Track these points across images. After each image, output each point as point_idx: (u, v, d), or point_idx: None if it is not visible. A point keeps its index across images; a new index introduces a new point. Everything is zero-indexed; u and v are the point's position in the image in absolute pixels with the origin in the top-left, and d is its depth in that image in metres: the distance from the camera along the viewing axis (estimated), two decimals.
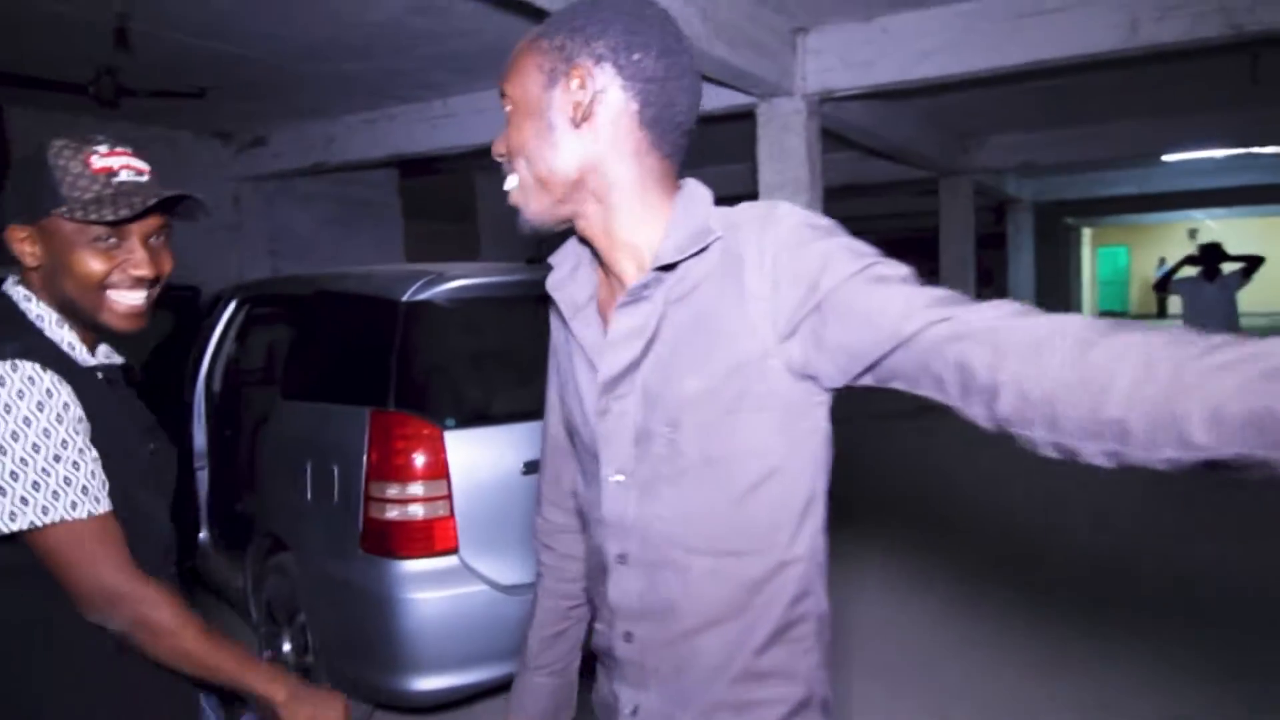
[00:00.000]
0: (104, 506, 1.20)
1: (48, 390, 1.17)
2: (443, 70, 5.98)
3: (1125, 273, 24.76)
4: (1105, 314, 21.28)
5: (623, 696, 1.07)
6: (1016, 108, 8.21)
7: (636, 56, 0.96)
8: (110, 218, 1.22)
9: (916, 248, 14.83)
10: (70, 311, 1.29)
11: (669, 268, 0.98)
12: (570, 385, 1.10)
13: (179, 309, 4.39)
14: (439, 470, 2.66)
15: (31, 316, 1.28)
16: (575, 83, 0.96)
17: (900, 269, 0.90)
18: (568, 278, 1.10)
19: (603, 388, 1.02)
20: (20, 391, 1.15)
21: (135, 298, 1.28)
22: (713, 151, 9.31)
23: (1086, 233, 22.56)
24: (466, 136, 6.66)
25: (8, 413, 1.14)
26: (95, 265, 1.24)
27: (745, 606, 0.99)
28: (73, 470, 1.18)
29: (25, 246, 1.27)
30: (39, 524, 1.15)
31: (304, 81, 6.14)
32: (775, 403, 0.95)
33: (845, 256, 0.90)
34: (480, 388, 2.93)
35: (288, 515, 3.05)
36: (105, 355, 1.36)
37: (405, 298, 2.85)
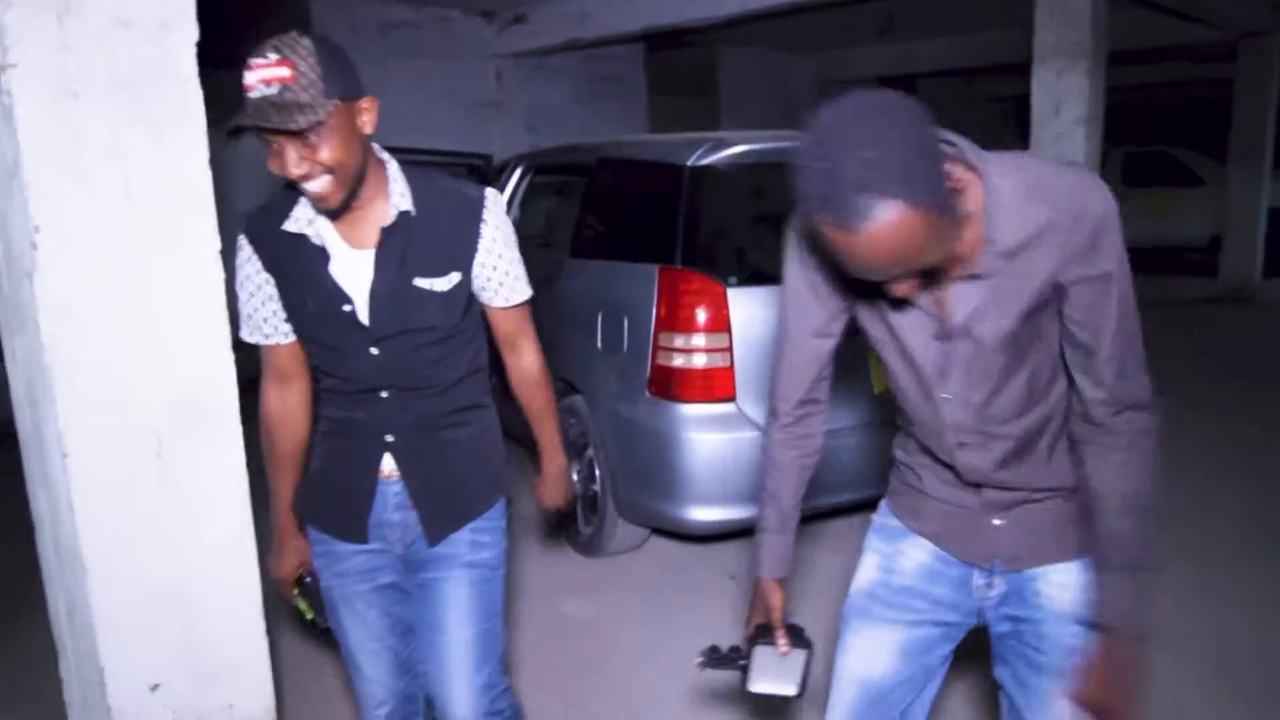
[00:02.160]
0: (251, 337, 1.61)
1: (240, 247, 1.55)
2: None
3: None
4: None
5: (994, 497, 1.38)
6: None
7: None
8: (246, 125, 1.35)
9: (1195, 120, 13.31)
10: None
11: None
12: (879, 320, 1.32)
13: (475, 171, 4.83)
14: (721, 324, 2.87)
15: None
16: None
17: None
18: None
19: (953, 331, 1.25)
20: (237, 249, 1.56)
21: (311, 186, 1.39)
22: (980, 15, 8.72)
23: None
24: (719, 8, 6.63)
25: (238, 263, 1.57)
26: (273, 166, 1.38)
27: (1040, 435, 1.33)
28: (243, 305, 1.58)
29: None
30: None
31: None
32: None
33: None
34: (759, 248, 3.10)
35: (578, 362, 3.39)
36: (302, 224, 1.50)
37: (690, 162, 3.03)
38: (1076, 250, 1.17)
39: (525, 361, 1.77)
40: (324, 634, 1.79)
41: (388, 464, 1.61)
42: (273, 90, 1.30)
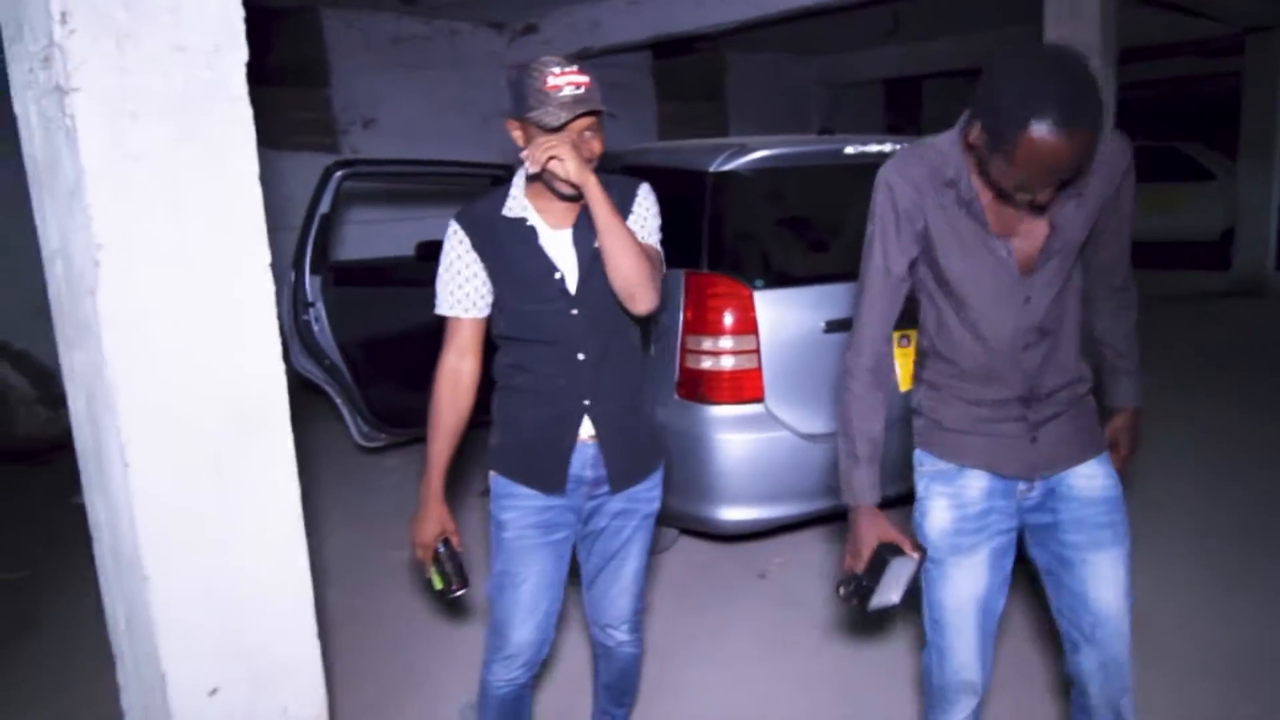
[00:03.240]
0: (449, 310, 1.92)
1: (452, 232, 1.90)
2: None
3: None
4: None
5: (1023, 408, 1.73)
6: None
7: None
8: (550, 123, 1.73)
9: (1205, 116, 13.29)
10: (540, 180, 1.84)
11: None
12: (979, 254, 1.65)
13: (497, 182, 4.87)
14: (748, 326, 2.91)
15: (513, 184, 1.92)
16: None
17: None
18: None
19: (1055, 238, 1.64)
20: (447, 235, 1.91)
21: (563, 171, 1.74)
22: (985, 14, 8.75)
23: None
24: (730, 13, 6.68)
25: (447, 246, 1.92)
26: (566, 147, 1.73)
27: (1072, 329, 1.76)
28: (446, 283, 1.91)
29: (515, 133, 1.83)
30: (437, 313, 1.95)
31: None
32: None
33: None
34: (784, 251, 3.14)
35: None
36: (518, 211, 1.90)
37: (713, 168, 3.08)
38: (1122, 173, 1.68)
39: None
40: (452, 602, 1.91)
41: (585, 426, 1.92)
42: (581, 92, 1.73)
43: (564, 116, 1.72)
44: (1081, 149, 1.41)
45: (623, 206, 1.88)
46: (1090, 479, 1.75)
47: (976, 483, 1.75)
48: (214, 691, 1.75)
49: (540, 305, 1.88)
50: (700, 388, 2.96)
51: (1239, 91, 9.56)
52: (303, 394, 1.75)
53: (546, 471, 1.94)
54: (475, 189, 5.84)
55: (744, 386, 2.94)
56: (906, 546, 1.68)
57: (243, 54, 1.64)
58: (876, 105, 12.96)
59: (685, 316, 2.97)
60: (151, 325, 1.59)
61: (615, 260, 1.76)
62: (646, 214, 1.94)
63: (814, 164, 3.20)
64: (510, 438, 1.97)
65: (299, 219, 4.33)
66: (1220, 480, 4.12)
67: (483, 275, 1.90)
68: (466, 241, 1.89)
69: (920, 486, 1.80)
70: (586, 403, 1.92)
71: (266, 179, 1.72)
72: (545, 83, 1.73)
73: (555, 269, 1.88)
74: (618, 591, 2.07)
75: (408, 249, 4.88)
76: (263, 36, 1.64)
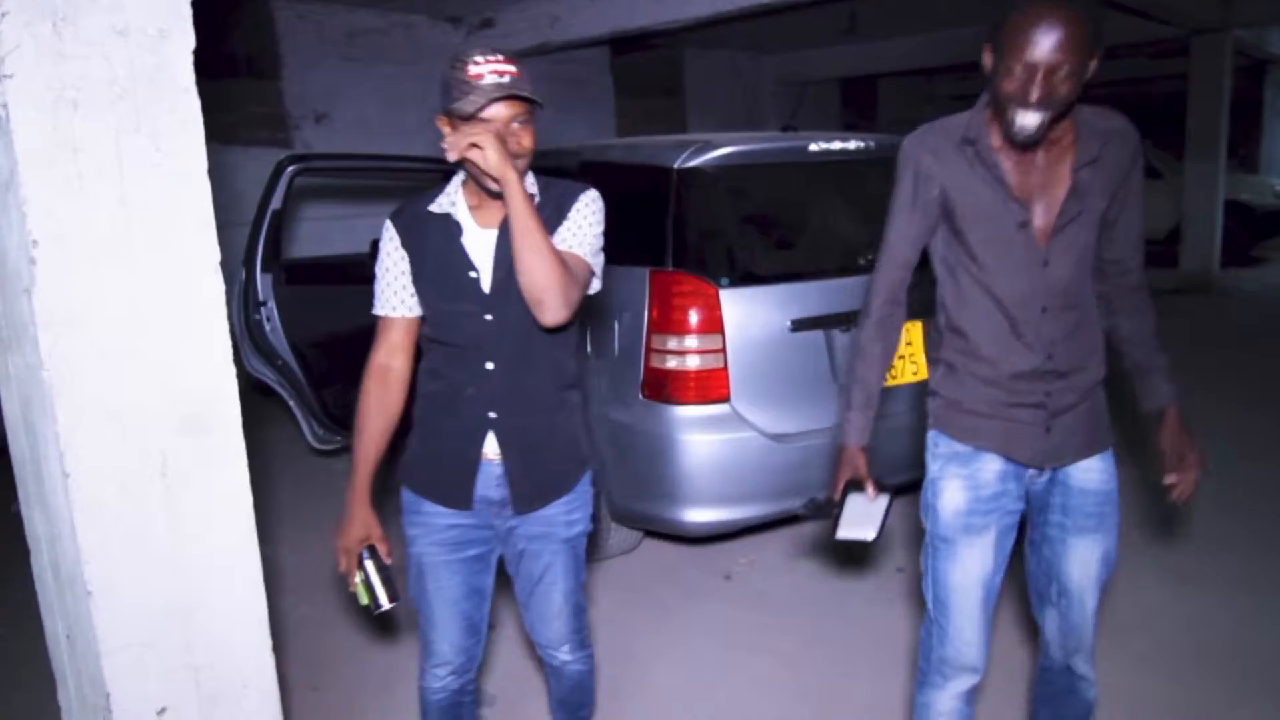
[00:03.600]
0: (379, 308, 1.85)
1: (385, 228, 1.85)
2: None
3: None
4: None
5: (1040, 390, 1.76)
6: None
7: None
8: (468, 109, 1.65)
9: (1151, 116, 13.56)
10: (469, 174, 1.78)
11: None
12: (1001, 216, 1.71)
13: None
14: (714, 325, 2.87)
15: (451, 181, 1.84)
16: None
17: None
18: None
19: (1074, 201, 1.70)
20: (382, 233, 1.86)
21: (502, 166, 1.63)
22: (941, 14, 8.83)
23: None
24: (689, 10, 6.64)
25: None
26: (487, 136, 1.63)
27: (1089, 309, 1.80)
28: (379, 282, 1.84)
29: (444, 129, 1.73)
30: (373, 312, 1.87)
31: None
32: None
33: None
34: (750, 249, 3.10)
35: None
36: (446, 206, 1.82)
37: (677, 165, 3.03)
38: (1131, 155, 1.73)
39: None
40: (381, 619, 1.83)
41: (490, 444, 1.82)
42: (505, 80, 1.64)
43: (480, 101, 1.64)
44: (1068, 28, 1.51)
45: (558, 210, 1.78)
46: (1089, 472, 1.82)
47: (991, 465, 1.80)
48: (162, 711, 1.67)
49: (452, 305, 1.80)
50: (665, 388, 2.91)
51: (1184, 93, 9.77)
52: (254, 396, 1.68)
53: (451, 487, 1.84)
54: (431, 185, 5.73)
55: (710, 386, 2.90)
56: (870, 486, 1.83)
57: (189, 40, 1.56)
58: (833, 103, 13.05)
59: (650, 315, 2.92)
60: (92, 326, 1.51)
61: (522, 262, 1.62)
62: (582, 222, 1.79)
63: (779, 161, 3.17)
64: (421, 448, 1.89)
65: (249, 215, 4.21)
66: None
67: (410, 273, 1.83)
68: (396, 239, 1.83)
69: (935, 467, 1.85)
70: (493, 416, 1.81)
71: (216, 174, 1.64)
72: (468, 71, 1.65)
73: (471, 267, 1.78)
74: (551, 615, 1.96)
75: (362, 246, 4.77)
76: (211, 26, 1.55)
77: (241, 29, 6.72)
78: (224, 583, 1.71)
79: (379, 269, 1.86)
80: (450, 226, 1.80)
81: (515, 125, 1.68)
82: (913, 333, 3.13)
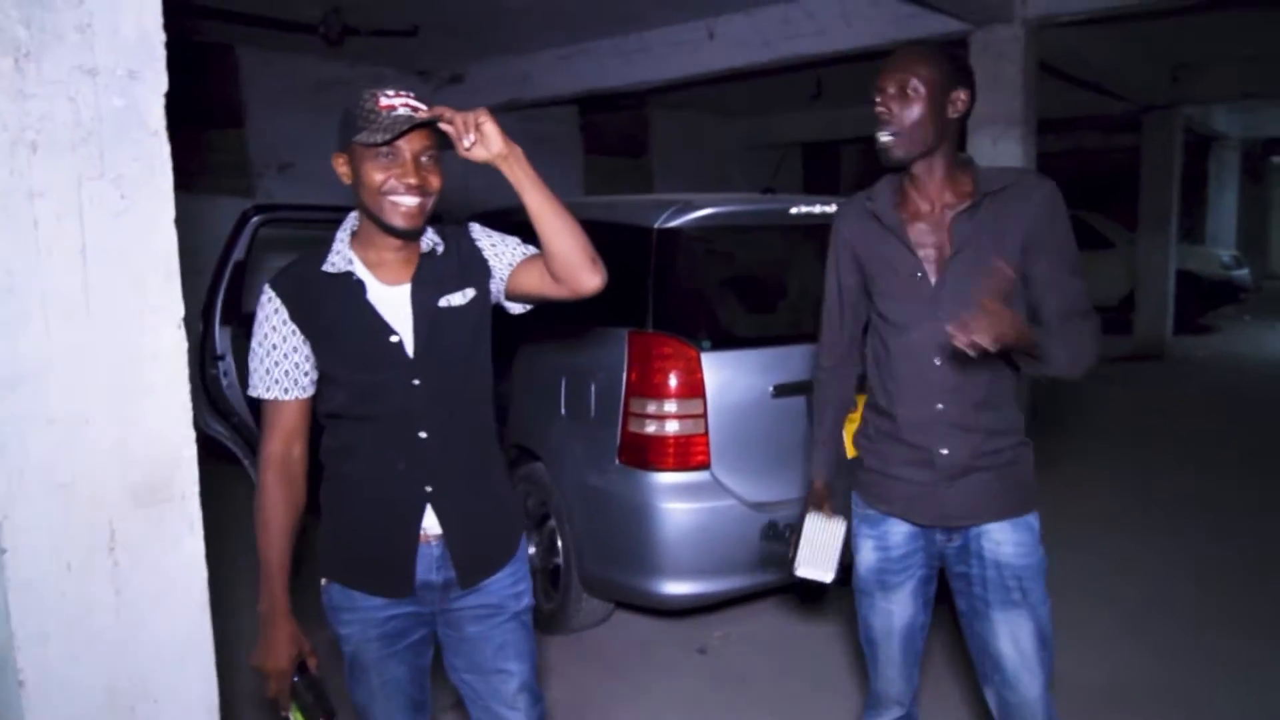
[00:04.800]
0: (265, 393, 1.65)
1: (266, 300, 1.65)
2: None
3: None
4: None
5: (937, 444, 1.80)
6: (1243, 29, 7.55)
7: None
8: (379, 138, 1.52)
9: (1102, 188, 13.99)
10: (369, 217, 1.63)
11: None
12: (898, 267, 1.81)
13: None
14: (695, 389, 2.79)
15: (335, 238, 1.68)
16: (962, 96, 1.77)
17: None
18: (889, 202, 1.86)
19: (953, 255, 1.76)
20: (260, 305, 1.66)
21: (408, 200, 1.57)
22: None
23: None
24: (660, 71, 6.70)
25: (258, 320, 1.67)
26: (376, 174, 1.57)
27: (996, 371, 1.81)
28: (260, 360, 1.65)
29: (341, 168, 1.64)
30: (251, 394, 1.69)
31: (507, 16, 6.32)
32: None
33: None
34: (731, 311, 3.04)
35: (538, 429, 3.25)
36: (341, 265, 1.65)
37: (657, 225, 2.97)
38: (1036, 207, 1.75)
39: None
40: None
41: (429, 519, 1.66)
42: (404, 114, 1.53)
43: (392, 132, 1.52)
44: (907, 58, 1.74)
45: (469, 256, 1.70)
46: (1000, 544, 1.82)
47: (898, 528, 1.90)
48: None
49: (374, 375, 1.63)
50: (644, 453, 2.82)
51: (1134, 165, 10.08)
52: (203, 453, 1.55)
53: (388, 574, 1.67)
54: None
55: (690, 452, 2.80)
56: (827, 509, 2.01)
57: (162, 83, 1.46)
58: (796, 167, 13.26)
59: (629, 378, 2.84)
60: (40, 384, 1.38)
61: (558, 232, 1.59)
62: (497, 238, 1.75)
63: (759, 223, 3.14)
64: (341, 536, 1.70)
65: (208, 265, 4.07)
66: (1129, 541, 4.16)
67: (304, 349, 1.64)
68: (283, 311, 1.63)
69: (854, 523, 1.98)
70: (429, 489, 1.66)
71: (177, 223, 1.53)
72: (378, 103, 1.54)
73: (390, 330, 1.63)
74: (505, 708, 1.76)
75: None
76: (174, 70, 1.46)
77: (205, 75, 6.62)
78: (174, 670, 1.56)
79: (259, 347, 1.65)
80: (352, 286, 1.64)
81: (424, 159, 1.58)
82: None
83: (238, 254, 4.02)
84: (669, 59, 6.63)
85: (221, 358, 4.02)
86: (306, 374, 1.65)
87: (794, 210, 3.15)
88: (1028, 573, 1.81)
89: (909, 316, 1.81)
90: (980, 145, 5.17)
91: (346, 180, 1.64)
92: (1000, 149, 5.15)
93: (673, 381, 2.79)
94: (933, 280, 1.78)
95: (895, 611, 1.92)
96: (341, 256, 1.64)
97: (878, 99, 1.76)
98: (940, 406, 1.79)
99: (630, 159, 10.65)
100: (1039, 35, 5.23)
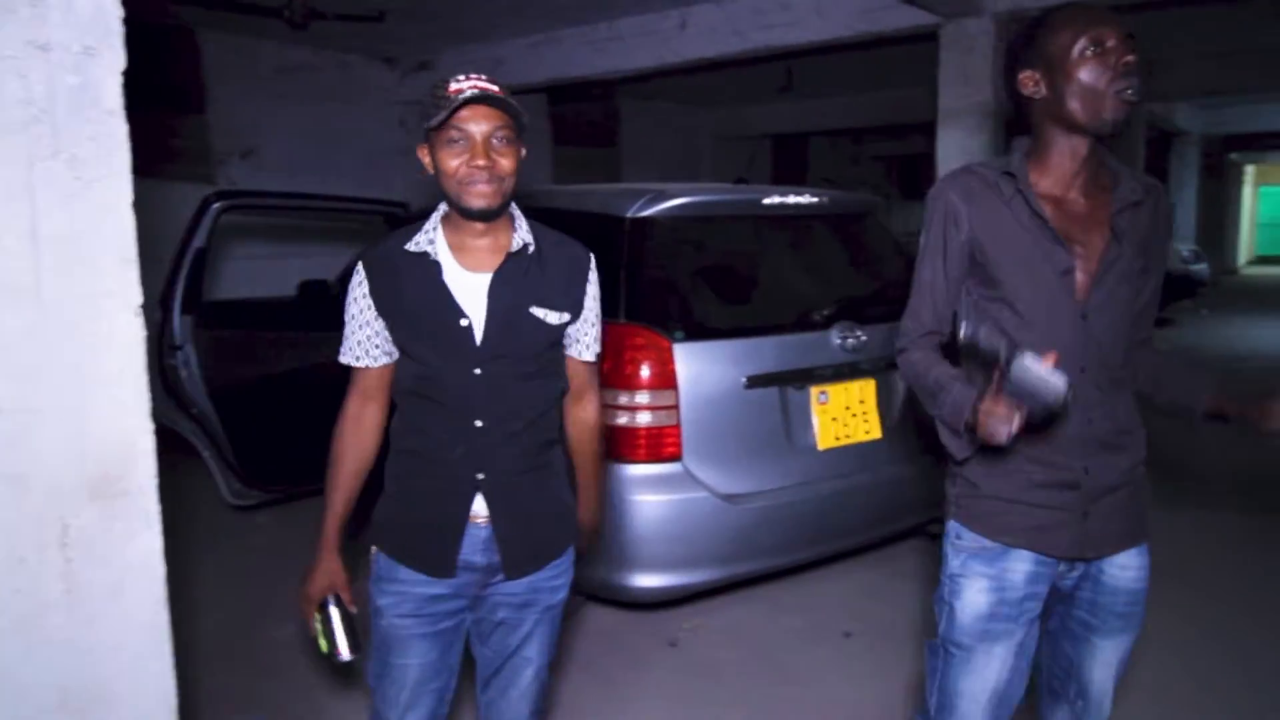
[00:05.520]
0: (346, 357, 1.73)
1: (354, 273, 1.70)
2: None
3: None
4: (1263, 259, 20.00)
5: (1079, 465, 1.59)
6: (1206, 26, 7.67)
7: None
8: (441, 117, 1.54)
9: None
10: (449, 203, 1.65)
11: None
12: (1040, 262, 1.56)
13: (392, 220, 4.61)
14: (667, 380, 2.77)
15: (430, 218, 1.70)
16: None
17: None
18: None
19: (1107, 252, 1.57)
20: (353, 276, 1.71)
21: (479, 182, 1.58)
22: (874, 76, 9.06)
23: (1250, 170, 21.07)
24: (631, 60, 6.65)
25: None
26: (449, 161, 1.59)
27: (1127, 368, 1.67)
28: (349, 329, 1.71)
29: (424, 158, 1.64)
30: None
31: (476, 2, 6.23)
32: None
33: None
34: (704, 302, 3.02)
35: None
36: (423, 244, 1.67)
37: (630, 214, 2.94)
38: (1166, 214, 1.65)
39: (589, 411, 1.88)
40: (346, 668, 1.69)
41: (478, 505, 1.69)
42: (479, 93, 1.54)
43: (447, 108, 1.53)
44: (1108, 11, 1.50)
45: (571, 282, 1.72)
46: (1125, 569, 1.66)
47: (1020, 566, 1.62)
48: None
49: (439, 356, 1.67)
50: (615, 445, 2.79)
51: None
52: (161, 445, 1.51)
53: (433, 553, 1.71)
54: (364, 225, 5.56)
55: (662, 444, 2.78)
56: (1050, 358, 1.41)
57: (119, 60, 1.40)
58: (765, 159, 13.28)
59: (601, 369, 2.80)
60: None
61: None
62: (596, 310, 1.78)
63: (733, 213, 3.12)
64: (396, 509, 1.76)
65: (167, 253, 3.97)
66: None
67: (377, 324, 1.69)
68: (365, 285, 1.69)
69: (955, 562, 1.66)
70: (480, 477, 1.69)
71: (135, 209, 1.47)
72: (449, 88, 1.57)
73: (461, 314, 1.65)
74: (516, 695, 1.83)
75: (290, 288, 4.55)
76: (134, 54, 1.40)
77: (165, 59, 6.47)
78: (131, 670, 1.51)
79: (347, 315, 1.72)
80: (429, 266, 1.66)
81: (495, 141, 1.57)
82: (865, 391, 3.08)
83: (198, 241, 3.93)
84: (641, 48, 6.59)
85: (179, 347, 3.93)
86: (379, 346, 1.71)
87: (767, 201, 3.14)
88: (1140, 598, 1.68)
89: (1050, 320, 1.57)
90: (954, 137, 5.20)
91: (430, 172, 1.65)
92: (974, 141, 5.17)
93: (645, 372, 2.77)
94: (1083, 283, 1.56)
95: (995, 667, 1.63)
96: (425, 236, 1.67)
97: (1123, 44, 1.47)
98: (1088, 420, 1.58)
99: (598, 149, 10.60)
100: (1008, 28, 5.26)
